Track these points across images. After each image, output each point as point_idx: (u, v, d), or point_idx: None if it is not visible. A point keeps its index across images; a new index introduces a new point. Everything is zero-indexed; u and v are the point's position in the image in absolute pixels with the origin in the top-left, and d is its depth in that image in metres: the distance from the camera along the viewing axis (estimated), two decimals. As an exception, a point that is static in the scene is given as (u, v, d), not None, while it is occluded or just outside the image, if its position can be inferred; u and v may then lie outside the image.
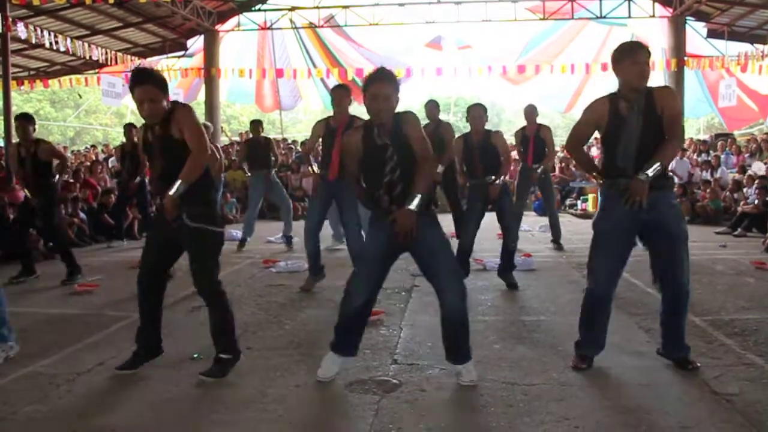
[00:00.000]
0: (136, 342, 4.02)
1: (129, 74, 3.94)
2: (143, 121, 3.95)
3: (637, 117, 3.70)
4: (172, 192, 3.71)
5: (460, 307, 3.66)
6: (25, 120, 7.09)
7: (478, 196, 6.41)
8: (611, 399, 3.49)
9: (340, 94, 6.17)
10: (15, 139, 8.49)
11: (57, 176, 7.29)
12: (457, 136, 7.13)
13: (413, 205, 3.54)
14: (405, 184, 3.63)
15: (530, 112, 8.75)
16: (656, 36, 18.16)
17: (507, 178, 7.10)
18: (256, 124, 9.88)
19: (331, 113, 6.31)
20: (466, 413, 3.33)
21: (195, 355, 4.25)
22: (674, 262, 3.81)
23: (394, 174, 3.64)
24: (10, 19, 11.56)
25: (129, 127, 10.19)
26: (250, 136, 10.04)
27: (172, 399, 3.57)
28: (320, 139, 6.49)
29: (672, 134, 3.75)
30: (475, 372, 3.74)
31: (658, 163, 3.63)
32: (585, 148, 4.29)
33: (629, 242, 3.91)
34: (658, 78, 17.80)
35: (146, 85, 3.71)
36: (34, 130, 7.11)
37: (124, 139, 10.62)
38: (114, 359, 4.14)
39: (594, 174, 4.26)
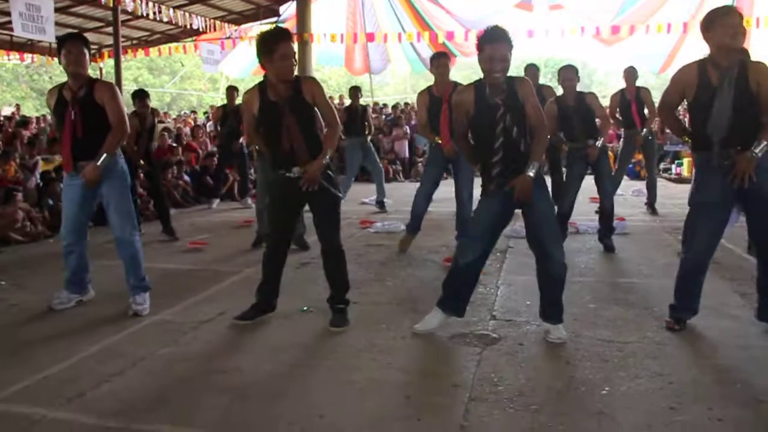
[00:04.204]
0: (256, 296, 4.38)
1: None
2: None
3: (728, 88, 3.71)
4: (324, 160, 4.04)
5: (562, 271, 3.87)
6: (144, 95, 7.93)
7: (579, 160, 6.44)
8: (706, 358, 3.60)
9: (444, 63, 6.31)
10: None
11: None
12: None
13: (531, 172, 3.73)
14: (515, 148, 3.76)
15: (630, 73, 8.61)
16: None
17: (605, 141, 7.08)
18: (355, 91, 10.18)
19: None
20: (563, 366, 3.51)
21: (304, 308, 4.61)
22: None
23: (505, 135, 3.75)
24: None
25: (231, 90, 10.63)
26: (348, 102, 10.22)
27: (289, 345, 3.90)
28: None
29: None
30: (565, 332, 3.90)
31: (766, 143, 3.68)
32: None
33: (726, 214, 3.96)
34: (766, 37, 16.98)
35: (290, 41, 3.98)
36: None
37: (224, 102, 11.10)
38: (231, 309, 4.51)
39: (686, 138, 4.25)
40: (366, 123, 9.92)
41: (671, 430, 2.77)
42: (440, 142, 6.39)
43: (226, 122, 10.40)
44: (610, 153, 14.03)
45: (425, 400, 3.12)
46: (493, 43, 3.70)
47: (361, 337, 4.01)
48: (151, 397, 3.22)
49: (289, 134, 4.01)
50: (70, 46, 4.45)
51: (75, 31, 18.14)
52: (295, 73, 4.05)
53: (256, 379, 3.40)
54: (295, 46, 4.10)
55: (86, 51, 4.47)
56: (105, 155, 4.40)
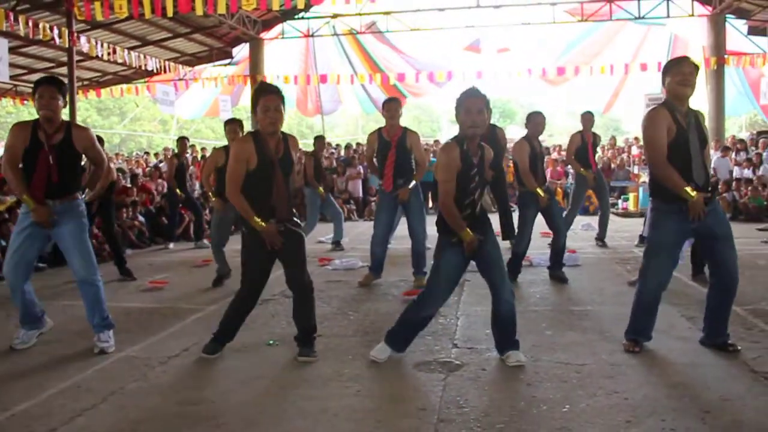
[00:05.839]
0: (219, 329, 4.43)
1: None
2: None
3: (693, 131, 4.04)
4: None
5: (511, 309, 4.11)
6: None
7: (533, 202, 6.62)
8: (657, 376, 3.81)
9: (394, 107, 6.44)
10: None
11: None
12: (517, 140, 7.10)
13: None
14: (476, 205, 4.07)
15: (589, 118, 8.95)
16: (695, 35, 18.23)
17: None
18: (321, 141, 10.46)
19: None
20: (524, 387, 3.68)
21: (270, 342, 4.69)
22: (725, 258, 4.13)
23: (474, 194, 4.03)
24: (75, 34, 12.21)
25: (183, 140, 10.94)
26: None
27: (258, 378, 3.98)
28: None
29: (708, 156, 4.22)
30: (524, 356, 4.08)
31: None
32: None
33: (678, 252, 4.31)
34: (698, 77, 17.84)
35: (274, 94, 4.10)
36: None
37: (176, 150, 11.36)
38: (196, 345, 4.57)
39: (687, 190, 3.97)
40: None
41: (628, 443, 2.95)
42: (382, 183, 6.61)
43: (180, 171, 10.63)
44: (559, 190, 14.61)
45: (396, 424, 3.24)
46: (471, 97, 3.96)
47: (329, 367, 4.11)
48: (126, 429, 3.26)
49: (278, 191, 4.17)
50: (42, 90, 4.44)
51: (24, 71, 18.14)
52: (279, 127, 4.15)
53: (229, 409, 3.48)
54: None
55: (59, 95, 4.48)
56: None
